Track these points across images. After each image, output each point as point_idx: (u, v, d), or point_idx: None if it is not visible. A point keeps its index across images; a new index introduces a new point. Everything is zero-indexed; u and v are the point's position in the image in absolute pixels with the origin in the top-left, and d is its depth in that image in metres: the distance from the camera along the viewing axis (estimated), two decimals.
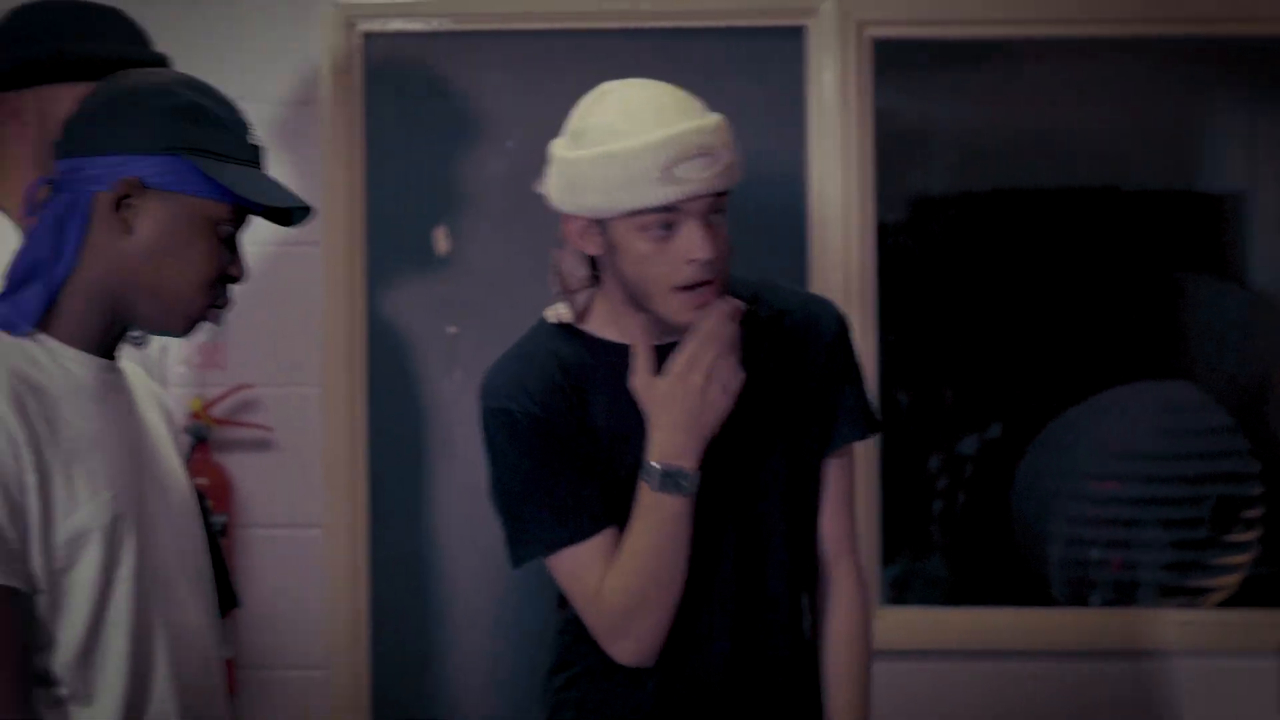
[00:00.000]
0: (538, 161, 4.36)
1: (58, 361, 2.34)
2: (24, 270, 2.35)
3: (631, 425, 2.79)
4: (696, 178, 2.67)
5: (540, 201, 4.35)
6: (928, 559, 4.39)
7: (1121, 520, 4.38)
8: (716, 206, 2.72)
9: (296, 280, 4.33)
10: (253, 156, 2.38)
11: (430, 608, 4.39)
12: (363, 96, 4.38)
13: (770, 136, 4.26)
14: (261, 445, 4.31)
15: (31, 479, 2.23)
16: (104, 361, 2.39)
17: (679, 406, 2.65)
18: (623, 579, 2.74)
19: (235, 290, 4.25)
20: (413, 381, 4.38)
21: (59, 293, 2.35)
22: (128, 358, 3.23)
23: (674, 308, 2.72)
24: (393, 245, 4.38)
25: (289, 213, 2.45)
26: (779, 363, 2.90)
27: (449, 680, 4.40)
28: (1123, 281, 4.38)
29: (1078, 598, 4.39)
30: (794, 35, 4.33)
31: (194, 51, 4.10)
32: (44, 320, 2.35)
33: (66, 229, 2.33)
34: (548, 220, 4.34)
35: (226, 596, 3.69)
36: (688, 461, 2.67)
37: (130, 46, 3.18)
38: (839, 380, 2.96)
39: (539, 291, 4.33)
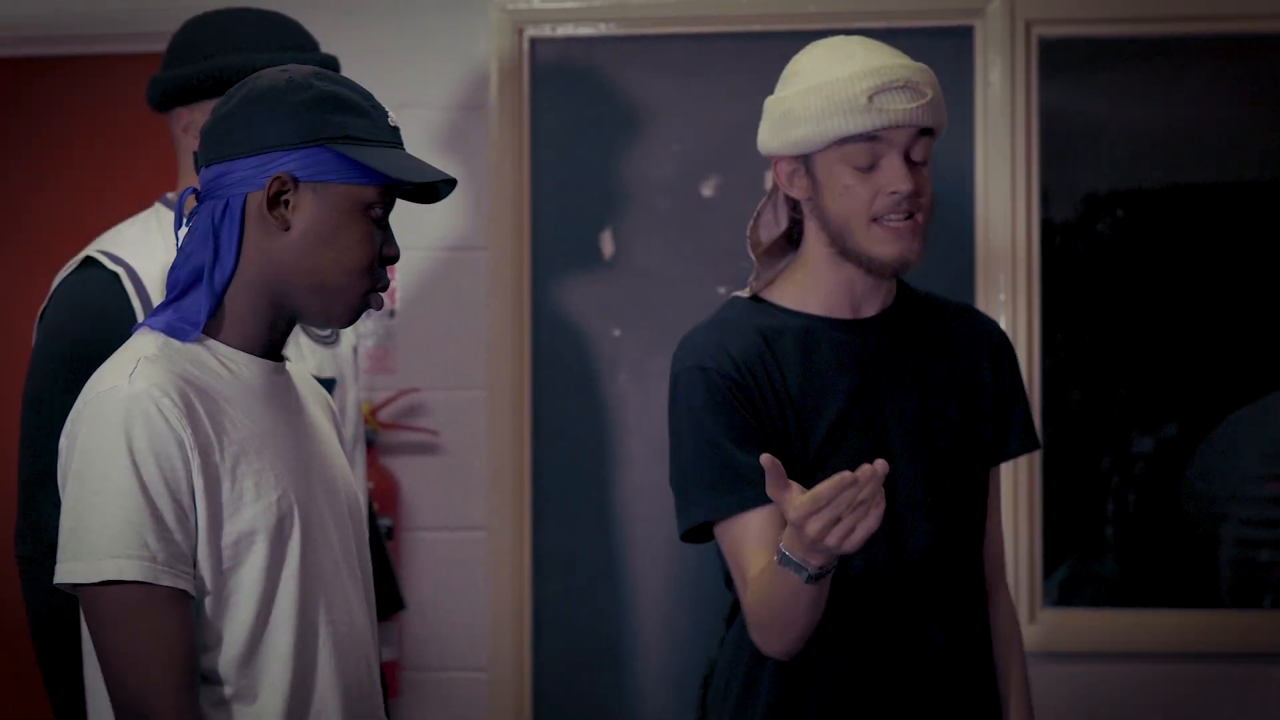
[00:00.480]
0: (703, 165, 4.39)
1: (225, 365, 2.35)
2: (185, 279, 2.37)
3: (824, 397, 2.80)
4: (900, 108, 2.75)
5: (706, 205, 4.37)
6: (1098, 560, 4.34)
7: None
8: (920, 149, 2.79)
9: (463, 285, 4.36)
10: (393, 138, 2.38)
11: (593, 611, 4.40)
12: (529, 101, 4.40)
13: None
14: (428, 449, 4.34)
15: (199, 482, 2.25)
16: (270, 364, 2.41)
17: (798, 537, 2.53)
18: (754, 601, 2.73)
19: (404, 297, 4.29)
20: (578, 385, 4.39)
21: (222, 297, 2.37)
22: (320, 358, 3.28)
23: (873, 239, 2.77)
24: (558, 249, 4.39)
25: (434, 191, 2.46)
26: (952, 355, 2.92)
27: (610, 684, 4.40)
28: None
29: (1249, 600, 4.32)
30: (962, 35, 4.31)
31: (362, 57, 4.14)
32: (210, 325, 2.37)
33: (221, 234, 2.35)
34: (713, 223, 4.35)
35: (391, 599, 3.72)
36: (811, 561, 2.55)
37: (296, 53, 3.20)
38: (1011, 389, 2.97)
39: (704, 294, 4.34)
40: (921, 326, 2.92)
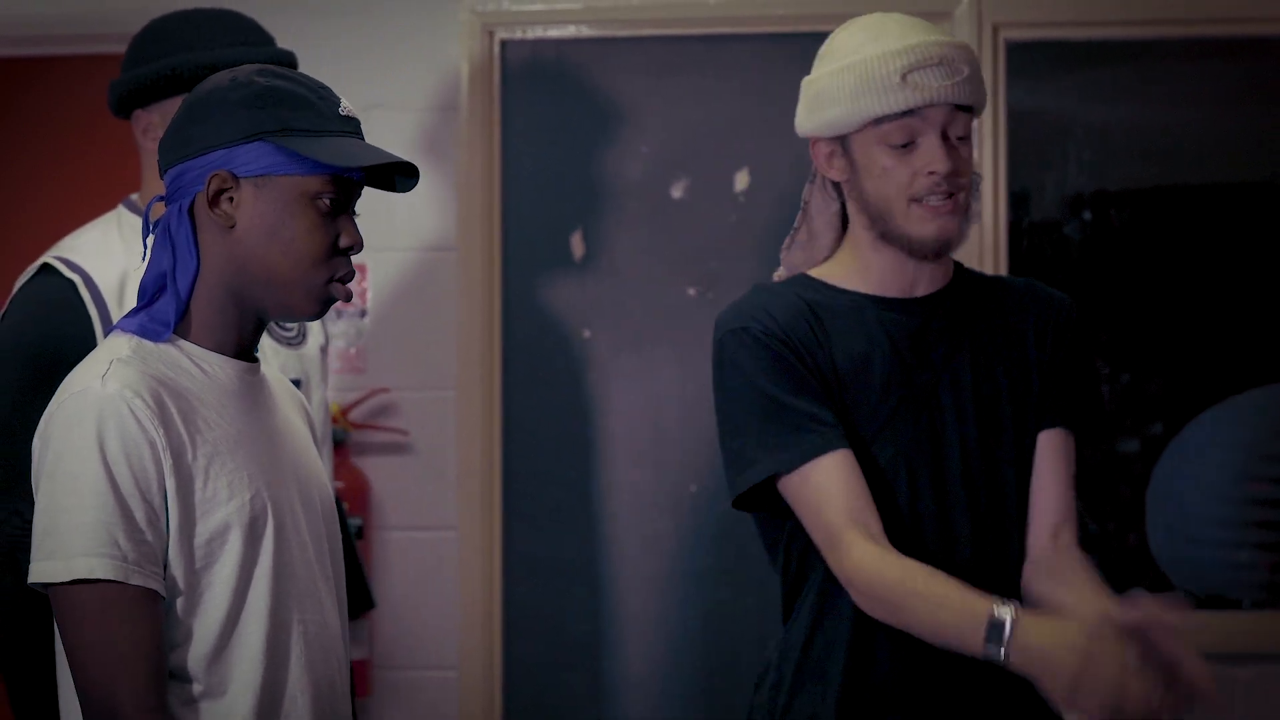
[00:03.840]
0: (673, 166, 4.40)
1: (198, 365, 2.36)
2: (152, 284, 2.38)
3: (872, 373, 2.75)
4: (935, 85, 2.70)
5: (676, 206, 4.39)
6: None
7: (1273, 523, 4.32)
8: (959, 126, 2.74)
9: (434, 286, 4.37)
10: (344, 127, 2.38)
11: (563, 610, 4.41)
12: (500, 103, 4.41)
13: None
14: (398, 449, 4.35)
15: (171, 483, 2.26)
16: (243, 364, 2.41)
17: (1056, 651, 2.45)
18: (879, 579, 2.62)
19: (376, 297, 4.30)
20: (548, 385, 4.41)
21: (190, 299, 2.38)
22: (283, 359, 3.28)
23: (912, 220, 2.72)
24: (529, 250, 4.41)
25: (396, 180, 2.46)
26: (1006, 330, 2.85)
27: (580, 683, 4.41)
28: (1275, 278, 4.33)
29: (1228, 600, 4.32)
30: None
31: (335, 60, 4.15)
32: (181, 327, 2.38)
33: (176, 237, 2.36)
34: (682, 224, 4.37)
35: (362, 598, 3.73)
36: (1015, 658, 2.48)
37: (249, 49, 3.21)
38: (1058, 359, 2.89)
39: (673, 295, 4.36)
40: (977, 303, 2.86)
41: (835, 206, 2.87)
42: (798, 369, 2.73)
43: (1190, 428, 4.29)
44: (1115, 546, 4.34)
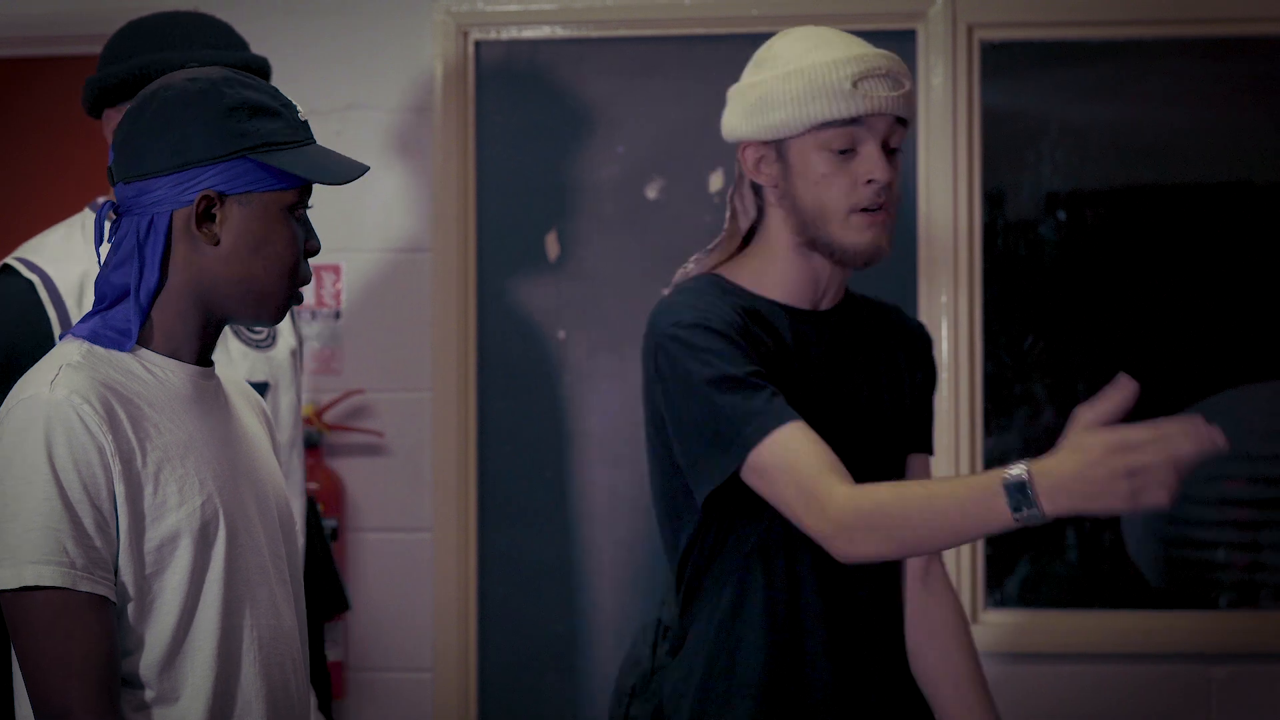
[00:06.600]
0: (648, 166, 4.40)
1: (151, 371, 2.35)
2: (111, 292, 2.37)
3: (783, 380, 2.75)
4: (882, 94, 2.75)
5: (650, 207, 4.39)
6: (1053, 561, 4.35)
7: (1248, 522, 4.32)
8: (896, 137, 2.80)
9: (409, 287, 4.37)
10: (306, 134, 2.38)
11: (538, 612, 4.41)
12: (474, 103, 4.41)
13: None
14: (373, 450, 4.35)
15: (120, 489, 2.26)
16: (198, 369, 2.41)
17: (1087, 473, 2.34)
18: (883, 509, 2.56)
19: (350, 299, 4.30)
20: (523, 386, 4.41)
21: (150, 308, 2.37)
22: (251, 362, 3.28)
23: (850, 228, 2.76)
24: (503, 251, 4.41)
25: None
26: (890, 348, 2.95)
27: (556, 685, 4.41)
28: (1254, 278, 4.33)
29: (1203, 600, 4.33)
30: (904, 38, 4.33)
31: (310, 60, 4.16)
32: (140, 334, 2.38)
33: (146, 251, 2.34)
34: (657, 225, 4.37)
35: (337, 600, 3.73)
36: (1049, 505, 2.36)
37: (223, 52, 3.19)
38: (930, 390, 3.03)
39: (649, 295, 4.33)
40: (868, 322, 2.93)
41: (752, 217, 2.89)
42: (754, 357, 2.73)
43: None
44: (1091, 546, 4.34)
